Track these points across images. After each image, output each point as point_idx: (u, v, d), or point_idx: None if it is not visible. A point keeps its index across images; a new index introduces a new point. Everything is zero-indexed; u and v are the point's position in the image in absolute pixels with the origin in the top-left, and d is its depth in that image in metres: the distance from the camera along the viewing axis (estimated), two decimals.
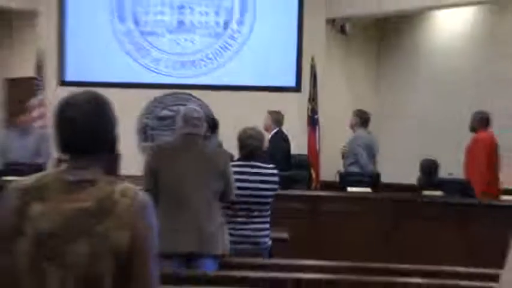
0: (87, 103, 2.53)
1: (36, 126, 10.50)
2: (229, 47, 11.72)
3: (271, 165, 5.98)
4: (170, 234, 4.88)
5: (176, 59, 11.74)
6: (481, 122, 8.77)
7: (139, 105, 11.46)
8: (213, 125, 8.18)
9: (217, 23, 11.74)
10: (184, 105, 8.83)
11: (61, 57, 11.76)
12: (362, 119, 9.81)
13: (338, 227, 8.11)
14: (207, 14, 11.72)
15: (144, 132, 11.55)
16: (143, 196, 2.51)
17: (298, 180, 9.27)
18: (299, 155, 10.50)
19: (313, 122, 11.14)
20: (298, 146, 10.60)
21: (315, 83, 11.22)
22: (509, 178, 8.63)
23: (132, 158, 9.19)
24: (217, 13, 11.73)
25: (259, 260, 5.62)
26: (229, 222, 5.60)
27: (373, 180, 8.82)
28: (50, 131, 9.88)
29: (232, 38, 11.72)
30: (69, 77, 11.68)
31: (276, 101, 10.69)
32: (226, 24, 11.72)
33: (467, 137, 8.88)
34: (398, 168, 9.99)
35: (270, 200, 5.88)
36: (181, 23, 11.72)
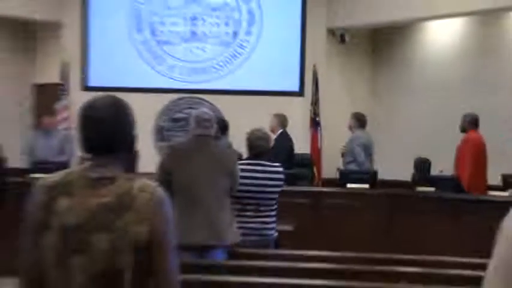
0: (109, 107, 2.53)
1: (60, 127, 10.53)
2: (238, 55, 11.72)
3: (277, 164, 5.99)
4: (185, 229, 4.89)
5: (189, 66, 11.74)
6: (470, 123, 8.75)
7: (155, 108, 11.47)
8: (223, 127, 8.17)
9: (227, 33, 11.74)
10: (196, 108, 8.83)
11: (84, 65, 11.78)
12: (359, 121, 9.81)
13: (338, 220, 8.10)
14: (217, 25, 11.72)
15: (160, 133, 11.55)
16: (161, 191, 2.50)
17: (301, 177, 9.26)
18: (302, 154, 10.48)
19: (315, 123, 11.15)
20: (301, 145, 10.58)
21: (317, 88, 11.22)
22: (495, 176, 8.61)
23: (149, 157, 9.18)
24: (227, 24, 11.73)
25: (266, 251, 5.62)
26: (238, 216, 5.60)
27: (371, 177, 8.82)
28: (74, 132, 9.92)
29: (240, 46, 11.71)
30: (92, 82, 11.69)
31: (281, 105, 10.69)
32: (235, 34, 11.72)
33: (457, 137, 8.87)
34: (394, 166, 9.98)
35: (276, 195, 5.88)
36: (194, 33, 11.72)
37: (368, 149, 9.74)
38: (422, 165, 9.02)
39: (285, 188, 6.18)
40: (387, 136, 11.15)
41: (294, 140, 10.01)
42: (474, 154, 8.67)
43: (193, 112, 5.79)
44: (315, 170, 10.61)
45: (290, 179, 7.69)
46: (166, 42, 11.75)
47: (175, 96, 11.64)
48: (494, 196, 7.92)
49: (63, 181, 2.48)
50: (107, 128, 2.50)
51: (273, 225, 5.90)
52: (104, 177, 2.46)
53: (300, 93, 11.57)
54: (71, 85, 11.34)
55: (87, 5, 11.76)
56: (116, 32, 11.72)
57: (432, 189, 8.35)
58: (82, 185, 2.46)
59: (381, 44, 12.14)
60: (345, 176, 8.92)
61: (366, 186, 8.61)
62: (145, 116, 9.95)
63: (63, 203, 2.43)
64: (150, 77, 11.68)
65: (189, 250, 4.93)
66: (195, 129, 5.44)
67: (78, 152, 9.22)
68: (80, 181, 2.47)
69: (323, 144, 11.06)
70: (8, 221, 4.50)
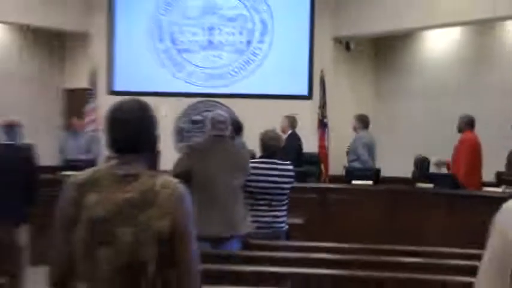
0: (134, 109, 2.53)
1: (88, 129, 10.57)
2: (252, 62, 11.72)
3: (287, 162, 5.99)
4: (203, 222, 4.90)
5: (207, 72, 11.75)
6: (466, 124, 8.72)
7: (175, 111, 11.49)
8: (237, 128, 8.16)
9: (241, 42, 11.74)
10: (213, 111, 8.83)
11: (110, 71, 11.82)
12: (363, 122, 9.80)
13: (344, 214, 8.09)
14: (233, 34, 11.72)
15: (180, 134, 11.56)
16: (182, 187, 2.50)
17: (310, 174, 9.26)
18: (311, 153, 10.48)
19: (322, 125, 11.14)
20: (309, 145, 10.59)
21: (324, 92, 11.21)
22: (490, 173, 8.58)
23: (169, 156, 9.19)
24: (241, 33, 11.73)
25: (278, 242, 5.62)
26: (252, 210, 5.61)
27: (374, 174, 8.80)
28: (101, 132, 9.95)
29: (254, 54, 11.71)
30: (117, 87, 11.72)
31: (291, 107, 10.69)
32: (249, 43, 11.72)
33: (454, 138, 8.85)
34: (395, 164, 9.96)
35: (286, 191, 5.88)
36: (211, 41, 11.72)
37: (371, 148, 9.72)
38: (421, 163, 9.00)
39: (295, 184, 6.17)
40: (389, 136, 11.12)
41: (303, 140, 10.04)
42: (470, 153, 8.64)
43: (210, 114, 5.80)
44: (322, 167, 10.61)
45: (300, 176, 7.68)
46: (186, 50, 11.77)
47: (194, 100, 11.65)
48: (489, 192, 7.88)
49: (91, 178, 2.49)
50: (132, 129, 2.51)
51: (284, 218, 5.90)
52: (129, 174, 2.47)
53: (309, 96, 11.56)
54: (98, 90, 11.37)
55: (112, 17, 11.80)
56: (140, 41, 11.75)
57: (431, 185, 8.33)
58: (109, 181, 2.46)
59: (383, 51, 12.11)
60: (350, 173, 8.91)
61: (370, 182, 8.60)
62: (166, 118, 10.00)
63: (91, 198, 2.43)
64: (171, 82, 11.70)
65: (206, 241, 4.94)
66: (212, 130, 5.46)
67: (104, 151, 9.28)
68: (107, 178, 2.47)
69: (330, 143, 11.05)
70: (41, 215, 4.52)
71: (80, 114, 10.82)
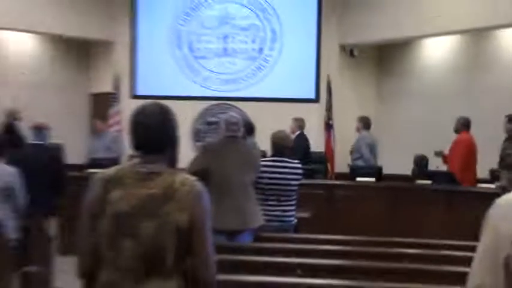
0: (156, 112, 2.54)
1: (112, 130, 10.60)
2: (263, 68, 11.72)
3: (296, 161, 5.99)
4: (217, 216, 4.90)
5: (221, 77, 11.77)
6: (463, 125, 8.70)
7: (192, 113, 11.51)
8: (249, 129, 8.16)
9: (253, 49, 11.75)
10: (227, 113, 8.83)
11: (133, 76, 11.86)
12: (365, 123, 9.83)
13: (349, 209, 8.09)
14: (245, 42, 11.73)
15: (197, 135, 11.58)
16: (199, 185, 2.51)
17: (317, 172, 9.25)
18: (318, 152, 10.47)
19: (328, 126, 11.10)
20: (317, 145, 10.58)
21: (330, 96, 11.18)
22: (484, 170, 8.54)
23: (187, 155, 9.22)
24: (253, 41, 11.74)
25: (287, 235, 5.63)
26: (262, 205, 5.62)
27: (377, 172, 8.79)
28: (124, 133, 9.99)
29: (265, 60, 11.72)
30: (139, 91, 11.77)
31: (299, 110, 10.68)
32: (260, 50, 11.72)
33: (450, 138, 8.83)
34: (396, 162, 9.93)
35: (295, 187, 5.88)
36: (225, 49, 11.74)
37: (373, 148, 9.75)
38: (420, 162, 8.97)
39: (303, 181, 6.17)
40: (390, 136, 11.11)
41: (311, 140, 10.05)
42: (465, 152, 8.63)
43: (224, 117, 5.81)
44: (328, 165, 10.59)
45: (307, 174, 7.68)
46: (202, 57, 11.79)
47: (209, 103, 11.68)
48: (483, 188, 7.85)
49: (116, 175, 2.50)
50: (154, 131, 2.52)
51: (293, 213, 5.90)
52: (151, 172, 2.48)
53: (316, 100, 11.55)
54: (122, 94, 11.41)
55: (135, 26, 11.84)
56: (160, 49, 11.79)
57: (429, 182, 8.31)
58: (132, 178, 2.48)
59: (385, 57, 12.09)
60: (355, 171, 8.92)
61: (373, 179, 8.58)
62: (184, 120, 10.01)
63: (116, 193, 2.45)
64: (188, 86, 11.73)
65: (222, 234, 4.95)
66: (225, 131, 5.47)
67: (126, 150, 9.31)
68: (131, 175, 2.49)
69: (335, 143, 11.03)
70: (69, 209, 4.55)
71: (105, 117, 10.86)
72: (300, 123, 10.00)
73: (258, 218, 5.39)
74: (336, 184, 8.86)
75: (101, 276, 2.46)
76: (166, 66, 11.78)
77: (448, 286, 3.64)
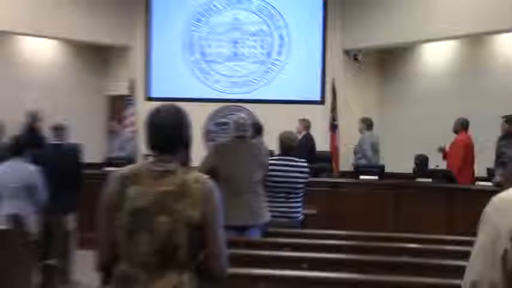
0: (171, 114, 2.55)
1: (127, 130, 10.64)
2: (271, 71, 11.72)
3: (303, 160, 5.98)
4: (228, 212, 4.90)
5: (231, 80, 11.77)
6: (461, 126, 8.68)
7: (204, 115, 11.52)
8: (257, 129, 8.17)
9: (262, 54, 11.75)
10: (236, 114, 8.84)
11: (147, 80, 11.88)
12: (368, 124, 9.83)
13: (353, 205, 8.08)
14: (254, 47, 11.73)
15: (209, 135, 11.60)
16: (211, 183, 2.51)
17: (323, 170, 9.24)
18: (323, 151, 10.47)
19: (333, 127, 11.12)
20: (322, 145, 10.58)
21: (335, 98, 11.19)
22: (482, 169, 8.52)
23: (199, 154, 9.24)
24: (262, 46, 11.74)
25: (294, 230, 5.63)
26: (270, 202, 5.61)
27: (379, 170, 8.77)
28: (139, 133, 10.02)
29: (273, 64, 11.72)
30: (153, 94, 11.78)
31: (306, 111, 10.69)
32: (268, 54, 11.72)
33: (449, 138, 8.82)
34: (398, 161, 9.92)
35: (301, 185, 5.87)
36: (235, 53, 11.74)
37: (375, 147, 9.74)
38: (421, 161, 8.95)
39: (310, 179, 6.17)
40: (392, 136, 11.09)
41: (316, 140, 10.05)
42: (463, 151, 8.60)
43: (233, 118, 5.81)
44: (333, 164, 10.59)
45: (314, 172, 7.69)
46: (213, 61, 11.80)
47: (219, 104, 11.69)
48: (481, 186, 7.84)
49: (132, 173, 2.51)
50: (169, 132, 2.52)
51: (300, 209, 5.89)
52: (165, 170, 2.48)
53: (321, 102, 11.54)
54: (137, 96, 11.46)
55: (149, 32, 11.87)
56: (173, 53, 11.80)
57: (429, 180, 8.30)
58: (148, 176, 2.48)
59: (386, 62, 12.07)
60: (359, 169, 8.90)
61: (376, 177, 8.57)
62: (196, 121, 10.01)
63: (132, 190, 2.45)
64: (200, 89, 11.73)
65: (231, 229, 4.96)
66: (235, 131, 5.47)
67: (140, 149, 9.34)
68: (147, 173, 2.49)
69: (340, 143, 11.04)
70: (87, 205, 4.56)
71: (121, 118, 10.89)
72: (306, 123, 10.01)
73: (265, 214, 5.39)
74: (341, 182, 8.85)
75: (118, 268, 2.47)
76: (179, 70, 11.79)
77: (448, 280, 3.64)
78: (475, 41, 10.35)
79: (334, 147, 10.99)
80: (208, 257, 2.47)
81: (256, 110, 11.04)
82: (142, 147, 8.20)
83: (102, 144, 11.67)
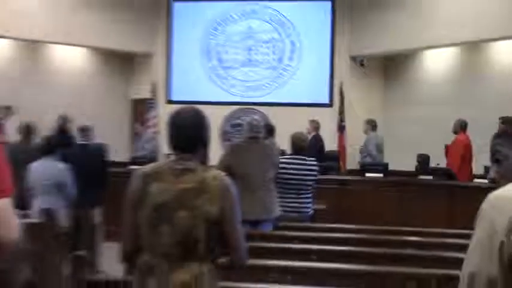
0: (191, 116, 2.55)
1: (149, 131, 10.67)
2: (283, 76, 11.73)
3: (312, 158, 5.98)
4: (244, 208, 4.90)
5: (246, 84, 11.79)
6: (460, 126, 8.64)
7: (220, 117, 11.54)
8: (270, 130, 8.17)
9: (274, 59, 11.77)
10: (250, 116, 8.84)
11: (168, 84, 11.93)
12: (372, 125, 9.81)
13: (360, 201, 8.05)
14: (267, 54, 11.75)
15: (224, 136, 11.62)
16: (228, 180, 2.52)
17: (331, 168, 9.23)
18: (331, 151, 10.45)
19: (341, 128, 11.10)
20: (330, 144, 10.57)
21: (342, 101, 11.17)
22: (480, 167, 8.47)
23: (215, 153, 9.25)
24: (274, 52, 11.76)
25: (304, 224, 5.63)
26: (282, 198, 5.62)
27: (384, 168, 8.75)
28: (160, 134, 10.05)
29: (284, 69, 11.72)
30: (174, 97, 11.83)
31: (315, 113, 10.68)
32: (280, 60, 11.73)
33: (449, 138, 8.78)
34: (401, 160, 9.88)
35: (311, 182, 5.87)
36: (249, 60, 11.77)
37: (379, 147, 9.73)
38: (423, 159, 8.92)
39: (319, 176, 6.17)
40: (396, 137, 11.05)
41: (325, 140, 10.04)
42: (463, 151, 8.57)
43: (247, 119, 5.81)
44: (341, 163, 10.57)
45: (323, 170, 7.68)
46: (229, 67, 11.83)
47: (235, 107, 11.71)
48: (479, 183, 7.79)
49: (154, 170, 2.51)
50: (189, 132, 2.53)
51: (309, 205, 5.89)
52: (186, 168, 2.49)
53: (330, 104, 11.53)
54: (158, 99, 11.50)
55: (170, 40, 11.93)
56: (192, 60, 11.85)
57: (431, 177, 8.27)
58: (169, 173, 2.49)
59: (391, 67, 12.03)
60: (364, 167, 8.88)
61: (380, 175, 8.55)
62: (213, 122, 10.03)
63: (155, 187, 2.46)
64: (216, 93, 11.76)
65: (245, 223, 4.96)
66: (248, 132, 5.48)
67: (162, 149, 9.37)
68: (168, 171, 2.50)
69: (347, 143, 11.01)
70: (113, 200, 4.58)
71: (143, 120, 10.93)
72: (315, 125, 10.00)
73: (276, 209, 5.40)
74: (348, 179, 8.83)
75: (141, 259, 2.48)
76: (198, 75, 11.84)
77: (448, 270, 3.62)
78: (473, 47, 10.29)
79: (342, 147, 10.97)
80: (229, 250, 2.48)
81: (269, 112, 11.04)
82: (164, 147, 8.22)
83: (128, 144, 11.73)
